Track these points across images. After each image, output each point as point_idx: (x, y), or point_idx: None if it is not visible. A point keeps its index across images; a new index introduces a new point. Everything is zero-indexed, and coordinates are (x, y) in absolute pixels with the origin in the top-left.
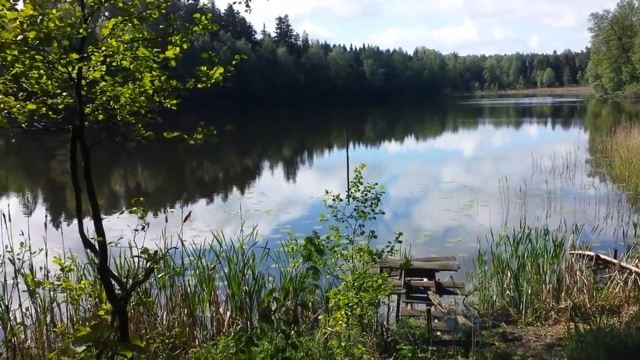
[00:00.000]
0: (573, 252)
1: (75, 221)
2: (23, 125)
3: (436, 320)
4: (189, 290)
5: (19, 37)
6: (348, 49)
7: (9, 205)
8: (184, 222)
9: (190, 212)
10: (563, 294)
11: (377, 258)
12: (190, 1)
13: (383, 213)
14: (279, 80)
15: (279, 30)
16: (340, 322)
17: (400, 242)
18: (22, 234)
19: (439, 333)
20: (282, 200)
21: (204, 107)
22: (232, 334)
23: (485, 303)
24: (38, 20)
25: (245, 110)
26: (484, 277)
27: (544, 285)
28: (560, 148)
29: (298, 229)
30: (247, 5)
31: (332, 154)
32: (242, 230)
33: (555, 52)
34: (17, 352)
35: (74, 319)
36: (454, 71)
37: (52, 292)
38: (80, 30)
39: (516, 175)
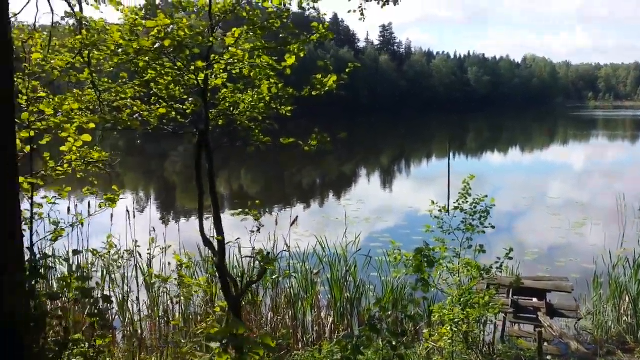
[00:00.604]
0: None
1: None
2: (149, 128)
3: (546, 343)
4: (292, 292)
5: (156, 45)
6: (452, 56)
7: (134, 202)
8: (291, 225)
9: (297, 216)
10: None
11: (484, 274)
12: (296, 10)
13: (493, 227)
14: (381, 88)
15: (382, 38)
16: (444, 337)
17: (510, 258)
18: (154, 229)
19: (549, 357)
20: (380, 208)
21: (312, 114)
22: (335, 340)
23: (599, 329)
24: (169, 29)
25: (350, 118)
26: (599, 301)
27: None
28: None
29: (397, 239)
30: (362, 14)
31: (431, 163)
32: (345, 236)
33: None
34: (134, 342)
35: (185, 314)
36: (566, 80)
37: (167, 287)
38: (211, 39)
39: (634, 192)
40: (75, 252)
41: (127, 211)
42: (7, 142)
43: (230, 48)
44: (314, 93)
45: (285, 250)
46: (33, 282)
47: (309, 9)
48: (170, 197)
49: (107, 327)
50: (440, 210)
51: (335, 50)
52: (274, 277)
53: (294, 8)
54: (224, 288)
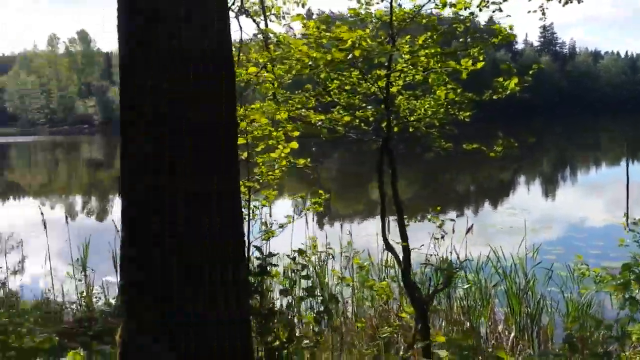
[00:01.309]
0: None
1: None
2: (323, 136)
3: None
4: (466, 303)
5: (349, 56)
6: (622, 56)
7: (293, 206)
8: (467, 233)
9: (472, 224)
10: None
11: None
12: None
13: None
14: (542, 89)
15: (542, 39)
16: None
17: None
18: (350, 234)
19: None
20: (545, 217)
21: (490, 117)
22: (521, 356)
23: None
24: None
25: (528, 119)
26: None
27: None
28: None
29: (572, 251)
30: (543, 14)
31: (599, 168)
32: (526, 247)
33: None
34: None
35: (356, 316)
36: None
37: (339, 288)
38: (396, 47)
39: None
40: (301, 252)
41: (305, 214)
42: (233, 157)
43: (413, 55)
44: (495, 97)
45: (469, 260)
46: (260, 279)
47: (494, 11)
48: (325, 202)
49: (330, 326)
50: (635, 223)
51: (491, 52)
52: (465, 286)
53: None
54: (410, 294)
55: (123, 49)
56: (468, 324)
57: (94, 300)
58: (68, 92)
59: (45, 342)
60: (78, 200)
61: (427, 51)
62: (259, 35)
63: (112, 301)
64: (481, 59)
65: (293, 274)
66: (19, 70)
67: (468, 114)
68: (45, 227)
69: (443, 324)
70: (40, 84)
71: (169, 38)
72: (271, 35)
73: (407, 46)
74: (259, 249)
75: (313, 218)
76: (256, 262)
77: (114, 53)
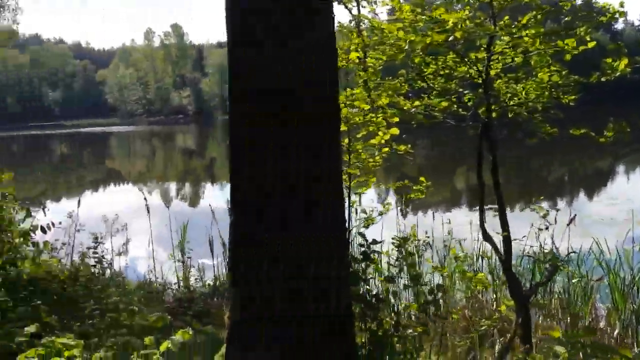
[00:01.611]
0: None
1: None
2: (417, 121)
3: None
4: (565, 297)
5: (450, 38)
6: None
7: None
8: (569, 224)
9: (575, 215)
10: None
11: None
12: None
13: None
14: None
15: None
16: None
17: None
18: (449, 222)
19: None
20: None
21: (597, 100)
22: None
23: None
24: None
25: (634, 102)
26: None
27: None
28: None
29: None
30: None
31: None
32: (632, 239)
33: None
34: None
35: (446, 307)
36: None
37: (430, 277)
38: (498, 27)
39: None
40: (404, 240)
41: (398, 203)
42: (337, 144)
43: (513, 36)
44: (603, 79)
45: (574, 252)
46: (364, 267)
47: None
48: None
49: (439, 316)
50: None
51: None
52: (573, 281)
53: None
54: (510, 286)
55: (231, 50)
56: (568, 319)
57: (192, 282)
58: (164, 83)
59: (158, 320)
60: (174, 186)
61: (529, 31)
62: (352, 22)
63: (210, 283)
64: (588, 39)
65: (397, 262)
66: (119, 63)
67: (573, 97)
68: (148, 212)
69: (540, 319)
70: (137, 76)
71: (273, 30)
72: (365, 21)
73: (512, 27)
74: (362, 235)
75: (401, 207)
76: (359, 249)
77: (205, 46)
